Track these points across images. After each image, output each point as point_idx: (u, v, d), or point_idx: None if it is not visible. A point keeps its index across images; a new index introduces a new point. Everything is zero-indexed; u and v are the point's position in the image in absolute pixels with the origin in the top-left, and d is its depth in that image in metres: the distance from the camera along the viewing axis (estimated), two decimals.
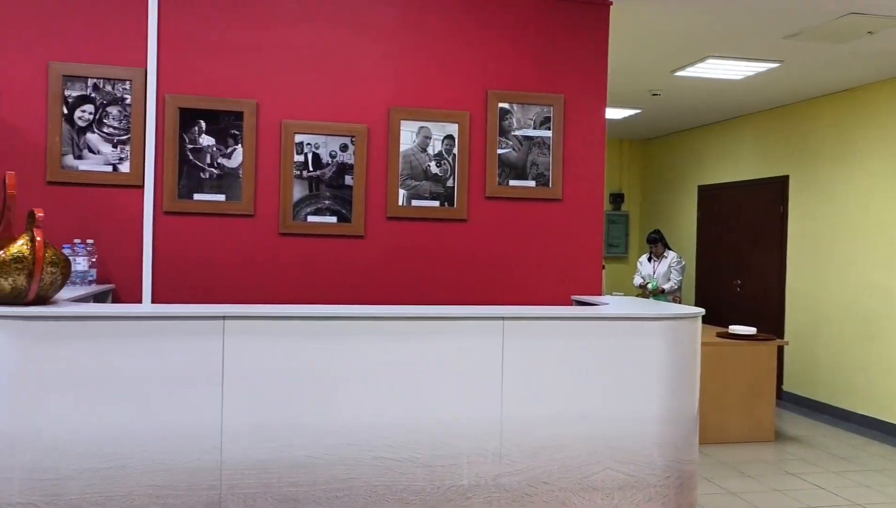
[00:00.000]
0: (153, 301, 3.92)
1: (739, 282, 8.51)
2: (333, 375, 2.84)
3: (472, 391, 2.96)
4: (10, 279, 2.65)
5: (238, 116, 4.01)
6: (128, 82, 3.91)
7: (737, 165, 8.61)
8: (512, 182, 4.34)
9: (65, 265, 2.81)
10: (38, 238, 2.69)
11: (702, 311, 3.28)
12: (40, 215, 2.73)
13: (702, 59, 6.03)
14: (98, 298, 3.63)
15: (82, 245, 3.72)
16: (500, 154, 4.32)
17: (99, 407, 2.68)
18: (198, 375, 2.74)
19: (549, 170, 4.37)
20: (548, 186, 4.38)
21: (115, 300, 3.89)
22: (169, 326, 2.73)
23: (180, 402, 2.73)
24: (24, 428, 2.63)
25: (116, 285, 3.90)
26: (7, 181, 2.88)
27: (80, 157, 3.87)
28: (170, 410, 2.72)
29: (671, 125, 9.38)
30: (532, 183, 4.37)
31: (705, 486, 4.89)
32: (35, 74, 3.82)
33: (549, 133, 4.37)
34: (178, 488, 2.71)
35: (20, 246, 2.67)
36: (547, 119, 4.37)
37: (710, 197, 9.13)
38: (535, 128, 4.36)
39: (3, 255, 2.65)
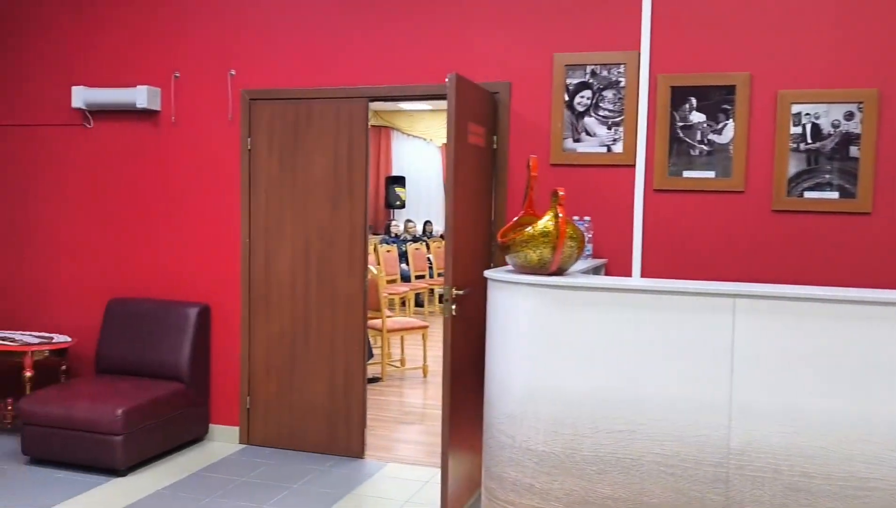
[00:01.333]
0: (642, 275, 4.06)
1: None
2: (856, 364, 2.61)
3: None
4: (537, 251, 2.97)
5: (730, 89, 3.91)
6: (622, 66, 4.07)
7: None
8: None
9: (580, 240, 3.05)
10: (561, 215, 2.97)
11: None
12: (562, 193, 3.00)
13: None
14: (595, 271, 3.88)
15: (581, 222, 4.01)
16: None
17: (610, 373, 2.85)
18: (706, 351, 2.75)
19: None
20: None
21: (607, 274, 4.12)
22: (680, 301, 2.78)
23: (688, 376, 2.77)
24: (546, 384, 2.93)
25: (608, 259, 4.13)
26: (530, 165, 3.23)
27: (578, 140, 4.17)
28: (678, 382, 2.78)
29: None
30: None
31: None
32: (541, 65, 4.21)
33: None
34: (685, 459, 2.77)
35: (546, 222, 2.98)
36: None
37: None
38: None
39: (532, 230, 2.98)
